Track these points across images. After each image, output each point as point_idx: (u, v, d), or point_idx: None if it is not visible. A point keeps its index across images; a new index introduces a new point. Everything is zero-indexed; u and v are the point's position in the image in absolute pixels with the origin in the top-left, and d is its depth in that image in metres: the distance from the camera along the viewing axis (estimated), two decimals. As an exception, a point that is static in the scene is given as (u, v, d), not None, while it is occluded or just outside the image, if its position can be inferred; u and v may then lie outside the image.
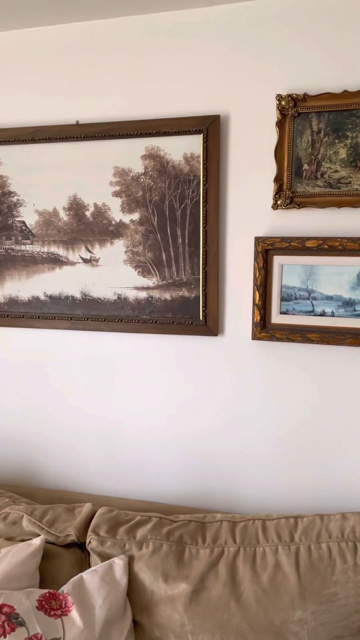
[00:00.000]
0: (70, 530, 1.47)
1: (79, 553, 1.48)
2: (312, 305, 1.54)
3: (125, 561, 1.40)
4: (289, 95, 1.45)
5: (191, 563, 1.38)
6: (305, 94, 1.44)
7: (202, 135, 1.53)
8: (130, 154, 1.60)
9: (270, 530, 1.41)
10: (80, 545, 1.50)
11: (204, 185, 1.55)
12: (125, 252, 1.66)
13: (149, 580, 1.38)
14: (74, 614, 1.29)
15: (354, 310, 1.50)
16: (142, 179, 1.61)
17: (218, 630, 1.30)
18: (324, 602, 1.30)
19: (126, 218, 1.64)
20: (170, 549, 1.40)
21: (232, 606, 1.32)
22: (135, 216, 1.63)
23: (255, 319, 1.57)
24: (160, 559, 1.39)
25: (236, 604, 1.32)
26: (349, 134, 1.44)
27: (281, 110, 1.46)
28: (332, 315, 1.52)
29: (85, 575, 1.37)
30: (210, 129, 1.52)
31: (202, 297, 1.62)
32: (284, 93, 1.47)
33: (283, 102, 1.46)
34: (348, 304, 1.51)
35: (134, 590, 1.39)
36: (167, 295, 1.66)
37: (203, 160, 1.54)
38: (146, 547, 1.41)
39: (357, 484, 1.57)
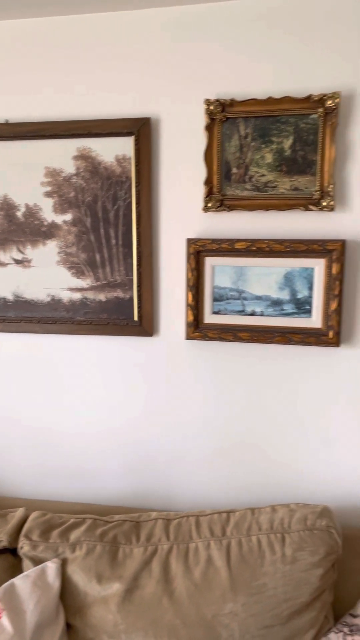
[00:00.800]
0: (2, 536, 1.44)
1: (10, 559, 1.45)
2: (243, 305, 1.58)
3: (58, 564, 1.39)
4: (217, 100, 1.49)
5: (125, 563, 1.39)
6: (232, 100, 1.48)
7: (133, 137, 1.54)
8: (61, 154, 1.59)
9: (203, 526, 1.44)
10: (12, 551, 1.47)
11: (136, 187, 1.56)
12: (59, 253, 1.65)
13: (83, 582, 1.38)
14: (4, 620, 1.27)
15: (282, 309, 1.56)
16: (74, 180, 1.60)
17: (151, 627, 1.32)
18: (253, 593, 1.33)
19: (59, 219, 1.63)
20: (104, 549, 1.40)
21: (165, 603, 1.33)
22: (68, 217, 1.62)
23: (188, 319, 1.59)
24: (94, 560, 1.39)
25: (169, 600, 1.34)
26: (274, 139, 1.49)
27: (210, 114, 1.50)
28: (262, 314, 1.57)
29: (17, 580, 1.35)
30: (141, 131, 1.53)
31: (137, 298, 1.63)
32: (212, 98, 1.51)
33: (211, 107, 1.49)
34: (276, 303, 1.56)
35: (67, 593, 1.38)
36: (101, 296, 1.66)
37: (135, 162, 1.55)
38: (80, 549, 1.40)
39: (287, 478, 1.63)
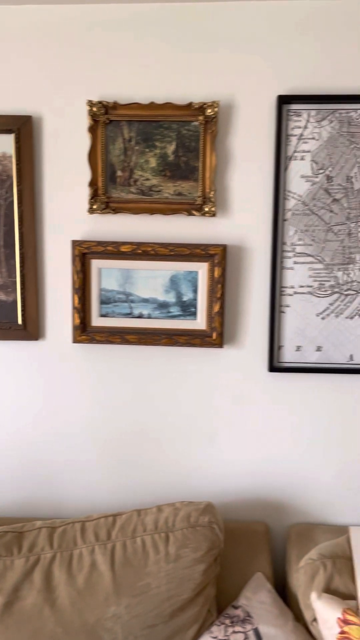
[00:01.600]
0: None
1: None
2: (130, 307, 1.59)
3: None
4: (100, 102, 1.48)
5: (5, 575, 1.34)
6: (115, 102, 1.49)
7: (13, 135, 1.49)
8: None
9: (88, 532, 1.42)
10: None
11: (17, 186, 1.52)
12: None
13: None
14: None
15: (168, 312, 1.58)
16: None
17: (31, 638, 1.28)
18: (137, 594, 1.34)
19: None
20: (-17, 563, 1.35)
21: (46, 612, 1.31)
22: None
23: (75, 322, 1.57)
24: (-28, 575, 1.33)
25: (50, 610, 1.31)
26: (157, 144, 1.51)
27: (93, 116, 1.49)
28: (149, 317, 1.59)
29: None
30: (22, 129, 1.49)
31: (21, 300, 1.58)
32: (95, 99, 1.50)
33: (94, 108, 1.48)
34: (163, 306, 1.58)
35: None
36: (-16, 299, 1.59)
37: (16, 161, 1.50)
38: None
39: (176, 476, 1.65)
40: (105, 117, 1.49)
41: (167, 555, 1.38)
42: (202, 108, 1.47)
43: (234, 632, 1.35)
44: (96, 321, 1.58)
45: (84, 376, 1.63)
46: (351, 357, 1.56)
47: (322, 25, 1.47)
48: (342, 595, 1.33)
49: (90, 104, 1.48)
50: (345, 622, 1.23)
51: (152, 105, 1.49)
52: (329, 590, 1.34)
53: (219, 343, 1.56)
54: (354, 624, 1.22)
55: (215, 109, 1.47)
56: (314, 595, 1.31)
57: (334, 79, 1.49)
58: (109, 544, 1.40)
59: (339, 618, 1.24)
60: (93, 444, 1.65)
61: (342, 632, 1.23)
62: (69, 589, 1.33)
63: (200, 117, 1.48)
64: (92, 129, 1.50)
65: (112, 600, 1.33)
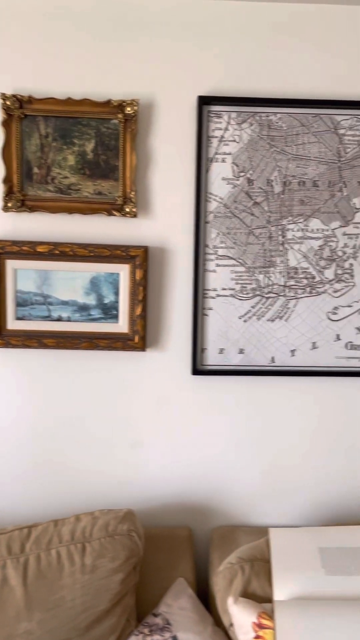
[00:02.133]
0: None
1: None
2: (49, 310, 1.53)
3: None
4: (14, 96, 1.42)
5: None
6: (30, 96, 1.43)
7: None
8: None
9: (1, 545, 1.36)
10: None
11: None
12: None
13: None
14: None
15: (89, 314, 1.54)
16: None
17: None
18: (50, 608, 1.29)
19: None
20: None
21: None
22: None
23: (-10, 326, 1.50)
24: None
25: None
26: (76, 141, 1.46)
27: (6, 110, 1.42)
28: (69, 320, 1.53)
29: None
30: None
31: None
32: (9, 93, 1.43)
33: (8, 102, 1.42)
34: (83, 308, 1.53)
35: None
36: None
37: None
38: None
39: (97, 484, 1.60)
40: (20, 112, 1.43)
41: (83, 567, 1.33)
42: (121, 106, 1.43)
43: (152, 641, 1.33)
44: (12, 324, 1.52)
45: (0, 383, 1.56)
46: (273, 360, 1.57)
47: (245, 28, 1.47)
48: (259, 598, 1.33)
49: (4, 97, 1.41)
50: (260, 626, 1.23)
51: (69, 101, 1.44)
52: (247, 594, 1.34)
53: (142, 346, 1.53)
54: (269, 627, 1.22)
55: (135, 108, 1.43)
56: (230, 600, 1.30)
57: (255, 82, 1.49)
58: (22, 557, 1.34)
59: (254, 622, 1.24)
60: (8, 452, 1.58)
61: (257, 637, 1.23)
62: (-23, 607, 1.27)
63: (120, 115, 1.44)
64: (6, 124, 1.43)
65: (24, 615, 1.27)
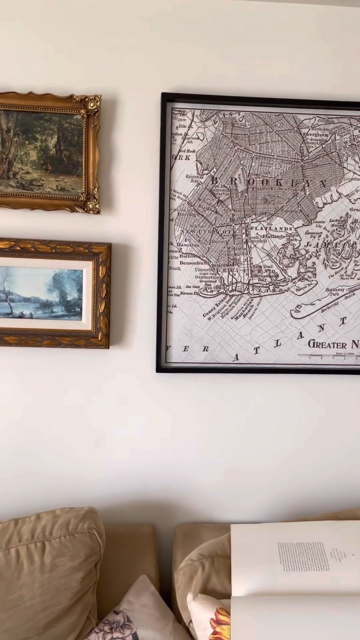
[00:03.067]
0: None
1: None
2: (10, 307, 1.51)
3: None
4: (-26, 89, 1.40)
5: None
6: (-9, 90, 1.41)
7: None
8: None
9: None
10: None
11: None
12: None
13: None
14: None
15: (52, 312, 1.52)
16: None
17: None
18: (8, 608, 1.28)
19: None
20: None
21: None
22: None
23: None
24: None
25: None
26: (38, 136, 1.45)
27: (-34, 103, 1.40)
28: (31, 317, 1.52)
29: None
30: None
31: None
32: (-31, 86, 1.41)
33: (-32, 95, 1.40)
34: (46, 305, 1.52)
35: None
36: None
37: None
38: None
39: (58, 483, 1.60)
40: (-20, 105, 1.41)
41: (43, 565, 1.32)
42: (84, 101, 1.42)
43: (113, 638, 1.33)
44: (-27, 321, 1.50)
45: None
46: (236, 357, 1.58)
47: (209, 25, 1.47)
48: (218, 594, 1.33)
49: None
50: (218, 622, 1.24)
51: (31, 96, 1.42)
52: (206, 590, 1.34)
53: (105, 344, 1.52)
54: (226, 623, 1.23)
55: (98, 103, 1.42)
56: (189, 597, 1.30)
57: (219, 80, 1.49)
58: (-20, 556, 1.32)
59: (212, 618, 1.25)
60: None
61: (215, 633, 1.23)
62: None
63: (82, 111, 1.43)
64: (-34, 117, 1.41)
65: (-19, 616, 1.26)
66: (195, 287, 1.55)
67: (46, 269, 1.50)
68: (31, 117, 1.43)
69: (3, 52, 1.43)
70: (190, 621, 1.33)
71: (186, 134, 1.48)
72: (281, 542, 1.35)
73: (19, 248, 1.46)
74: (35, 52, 1.44)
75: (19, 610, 1.29)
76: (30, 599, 1.30)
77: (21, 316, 1.52)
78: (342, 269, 1.56)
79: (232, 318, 1.57)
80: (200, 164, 1.50)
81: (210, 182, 1.51)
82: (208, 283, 1.55)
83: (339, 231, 1.55)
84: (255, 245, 1.54)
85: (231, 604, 1.23)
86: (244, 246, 1.54)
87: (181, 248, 1.53)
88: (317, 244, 1.55)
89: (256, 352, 1.58)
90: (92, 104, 1.42)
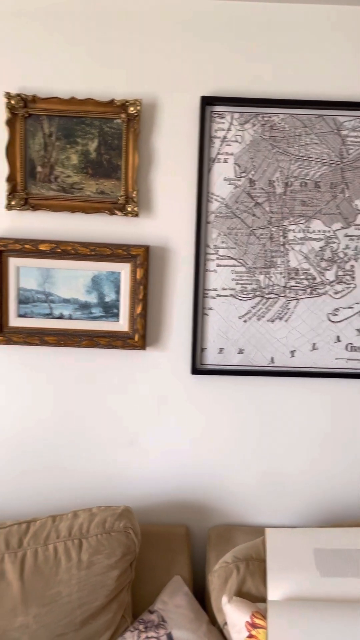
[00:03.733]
0: None
1: None
2: (50, 308, 1.54)
3: None
4: (19, 95, 1.43)
5: None
6: (34, 96, 1.44)
7: None
8: None
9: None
10: None
11: None
12: None
13: None
14: None
15: (90, 313, 1.55)
16: None
17: None
18: (46, 603, 1.31)
19: None
20: None
21: None
22: None
23: (-8, 322, 1.52)
24: None
25: None
26: (79, 140, 1.47)
27: (11, 109, 1.43)
28: (70, 318, 1.55)
29: None
30: None
31: None
32: (14, 92, 1.44)
33: (12, 101, 1.43)
34: (84, 306, 1.55)
35: None
36: None
37: None
38: None
39: (97, 480, 1.62)
40: (25, 111, 1.44)
41: (80, 562, 1.35)
42: (124, 105, 1.44)
43: (147, 637, 1.34)
44: (14, 322, 1.53)
45: (1, 378, 1.57)
46: (272, 360, 1.57)
47: (248, 28, 1.47)
48: (253, 598, 1.33)
49: (8, 96, 1.42)
50: (254, 625, 1.24)
51: (73, 101, 1.45)
52: (241, 593, 1.34)
53: (141, 345, 1.54)
54: (262, 627, 1.23)
55: (138, 107, 1.44)
56: (224, 599, 1.31)
57: (258, 83, 1.49)
58: (20, 552, 1.35)
59: (247, 622, 1.25)
60: (9, 448, 1.60)
61: (250, 636, 1.23)
62: (-26, 600, 1.28)
63: (123, 115, 1.45)
64: (10, 123, 1.44)
65: (20, 610, 1.29)
66: (232, 289, 1.55)
67: (85, 271, 1.52)
68: (73, 122, 1.46)
69: (46, 58, 1.46)
70: (225, 623, 1.33)
71: (225, 137, 1.49)
72: (317, 547, 1.34)
73: (60, 250, 1.49)
74: (77, 57, 1.46)
75: (57, 606, 1.31)
76: (68, 595, 1.32)
77: (60, 317, 1.54)
78: (381, 272, 1.54)
79: (268, 321, 1.56)
80: (239, 166, 1.50)
81: (248, 185, 1.51)
82: (244, 285, 1.55)
83: (379, 234, 1.53)
84: (292, 248, 1.53)
85: (267, 608, 1.23)
86: (281, 249, 1.53)
87: (218, 250, 1.53)
88: (356, 247, 1.53)
89: (292, 356, 1.57)
90: (132, 108, 1.44)
